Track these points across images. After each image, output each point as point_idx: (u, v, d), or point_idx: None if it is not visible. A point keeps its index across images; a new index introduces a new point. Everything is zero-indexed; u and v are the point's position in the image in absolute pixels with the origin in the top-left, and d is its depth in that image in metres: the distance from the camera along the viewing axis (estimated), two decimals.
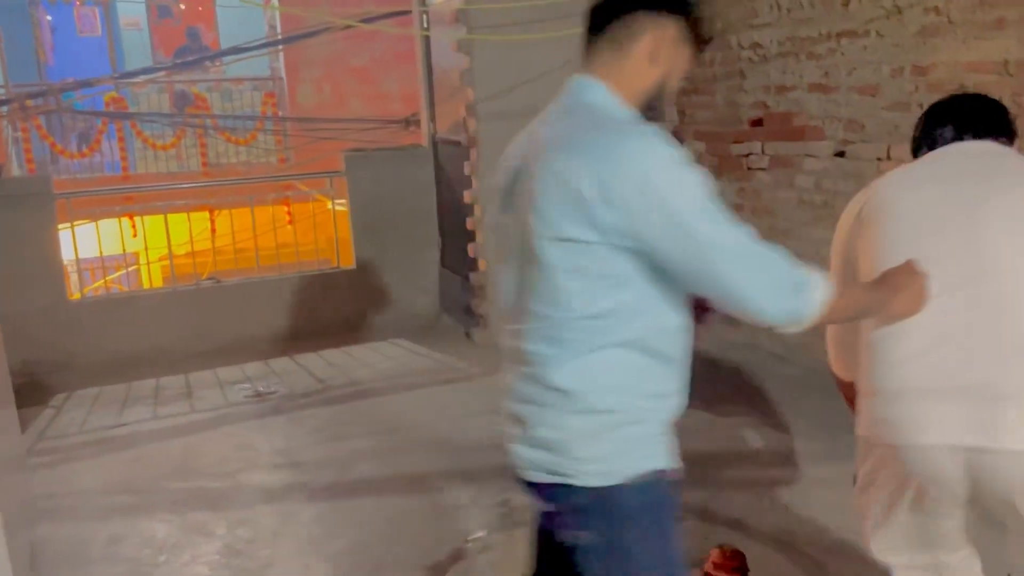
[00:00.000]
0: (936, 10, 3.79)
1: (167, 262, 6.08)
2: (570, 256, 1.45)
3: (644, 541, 1.57)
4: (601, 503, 1.53)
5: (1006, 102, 3.50)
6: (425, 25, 5.80)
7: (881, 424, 1.80)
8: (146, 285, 6.99)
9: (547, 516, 1.67)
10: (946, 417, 1.68)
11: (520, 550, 2.59)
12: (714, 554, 2.61)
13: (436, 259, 6.13)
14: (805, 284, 1.47)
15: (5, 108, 10.19)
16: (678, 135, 5.43)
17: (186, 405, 4.66)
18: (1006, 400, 1.65)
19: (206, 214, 6.98)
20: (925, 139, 1.95)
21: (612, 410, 1.51)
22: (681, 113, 5.42)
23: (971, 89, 3.67)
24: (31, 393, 4.73)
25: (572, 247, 1.44)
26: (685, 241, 1.42)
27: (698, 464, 3.56)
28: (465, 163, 5.30)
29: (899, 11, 3.95)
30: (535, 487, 1.59)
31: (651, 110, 1.58)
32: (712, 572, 2.57)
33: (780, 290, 1.46)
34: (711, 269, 1.44)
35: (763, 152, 4.81)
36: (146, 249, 6.08)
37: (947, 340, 1.70)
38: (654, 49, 1.54)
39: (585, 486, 1.52)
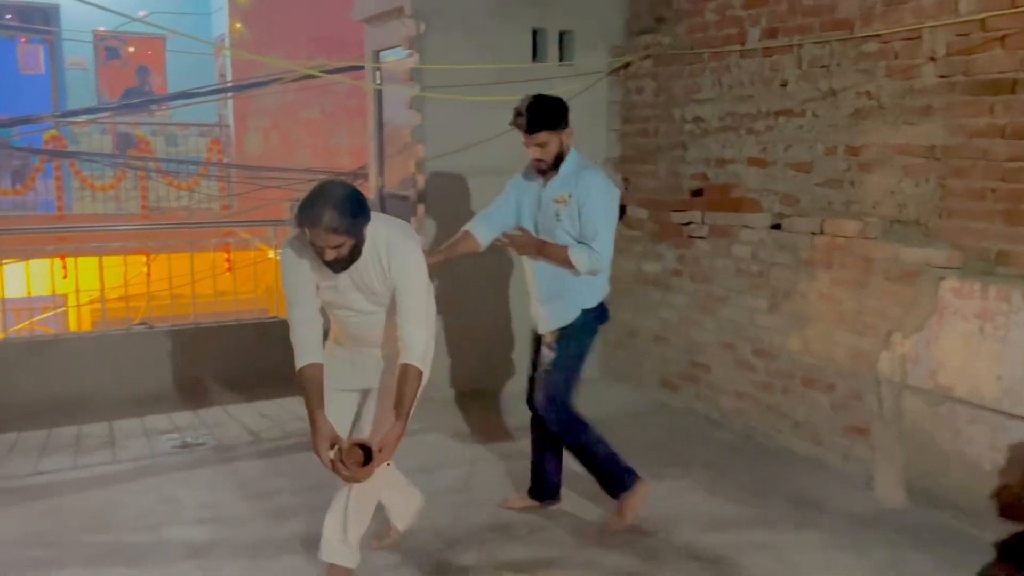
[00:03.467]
0: (868, 94, 3.99)
1: (98, 305, 5.90)
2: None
3: None
4: None
5: (932, 184, 3.71)
6: (378, 81, 5.86)
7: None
8: (74, 328, 6.76)
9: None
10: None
11: None
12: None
13: None
14: None
15: None
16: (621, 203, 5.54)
17: (108, 454, 4.49)
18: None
19: (142, 258, 6.83)
20: None
21: None
22: (626, 181, 5.55)
23: (901, 167, 3.85)
24: None
25: None
26: None
27: (630, 528, 3.56)
28: (412, 218, 5.31)
29: (834, 94, 4.15)
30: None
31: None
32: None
33: None
34: None
35: (703, 221, 4.94)
36: (77, 291, 5.90)
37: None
38: None
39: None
